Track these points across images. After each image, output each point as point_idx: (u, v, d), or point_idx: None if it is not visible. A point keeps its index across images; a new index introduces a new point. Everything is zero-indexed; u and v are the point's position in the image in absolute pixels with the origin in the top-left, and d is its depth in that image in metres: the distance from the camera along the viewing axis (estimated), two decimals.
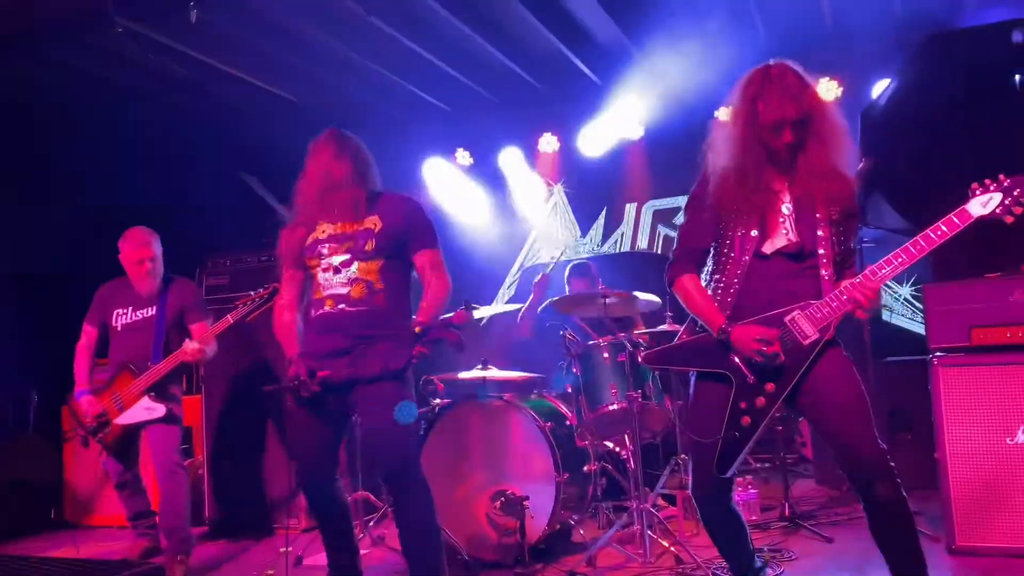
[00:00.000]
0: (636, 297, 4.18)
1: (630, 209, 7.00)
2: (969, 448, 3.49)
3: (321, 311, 3.02)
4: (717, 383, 2.55)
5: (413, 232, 3.09)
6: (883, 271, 2.42)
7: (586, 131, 6.80)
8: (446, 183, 7.23)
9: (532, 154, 7.10)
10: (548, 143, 7.03)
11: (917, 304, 5.85)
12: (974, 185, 2.41)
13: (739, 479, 4.32)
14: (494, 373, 4.16)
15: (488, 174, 7.19)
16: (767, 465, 5.58)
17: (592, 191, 7.05)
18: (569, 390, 4.09)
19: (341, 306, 2.98)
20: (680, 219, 6.73)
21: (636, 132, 6.68)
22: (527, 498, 3.64)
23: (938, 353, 3.62)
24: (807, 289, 2.50)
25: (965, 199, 2.41)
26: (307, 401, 2.93)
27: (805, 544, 3.86)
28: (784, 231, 2.53)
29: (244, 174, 6.47)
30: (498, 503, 3.76)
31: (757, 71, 2.55)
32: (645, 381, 3.89)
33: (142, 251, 4.09)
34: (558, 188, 7.21)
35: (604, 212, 7.10)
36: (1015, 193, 2.36)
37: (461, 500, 3.84)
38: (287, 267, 3.19)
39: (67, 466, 5.47)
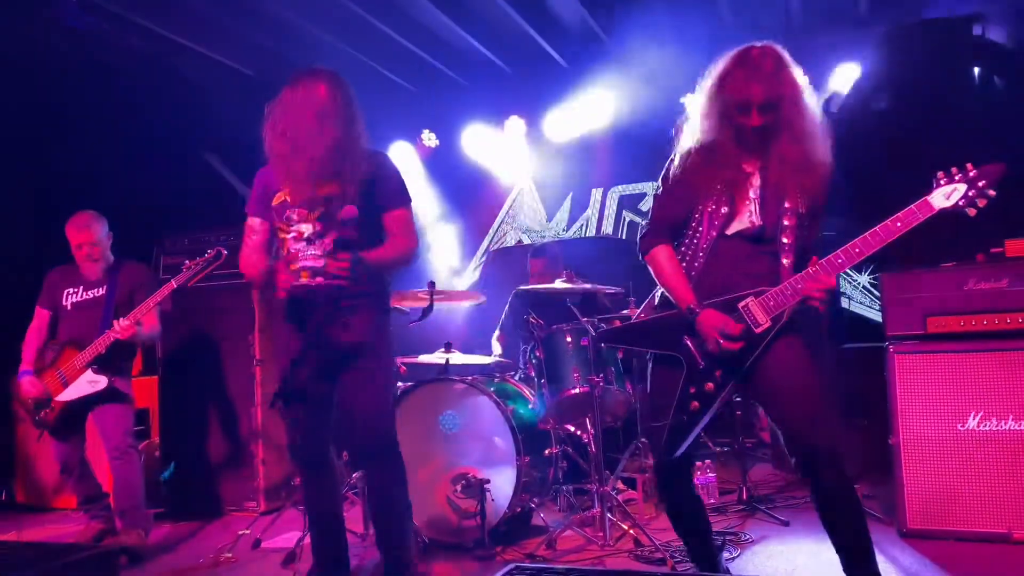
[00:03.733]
0: (599, 285, 4.20)
1: (596, 194, 7.01)
2: (922, 434, 3.56)
3: (298, 282, 2.81)
4: (671, 367, 2.55)
5: (383, 193, 2.95)
6: (839, 260, 2.40)
7: (553, 115, 6.78)
8: (411, 164, 7.16)
9: (499, 137, 7.06)
10: (515, 126, 7.00)
11: (875, 292, 5.94)
12: (939, 174, 2.37)
13: (698, 463, 4.36)
14: (457, 356, 4.15)
15: (454, 156, 7.14)
16: (726, 449, 5.64)
17: (559, 175, 7.04)
18: (532, 373, 4.09)
19: (318, 279, 2.80)
20: (649, 199, 6.77)
21: (603, 118, 6.68)
22: (488, 481, 3.64)
23: (894, 341, 3.68)
24: (765, 273, 2.50)
25: (928, 189, 2.37)
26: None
27: (762, 527, 3.91)
28: (748, 213, 2.53)
29: (205, 152, 6.34)
30: (459, 486, 3.76)
31: (738, 51, 2.53)
32: (607, 365, 3.90)
33: (81, 235, 4.05)
34: (525, 172, 7.19)
35: (570, 197, 7.10)
36: (979, 184, 2.31)
37: (422, 483, 3.82)
38: (254, 213, 3.02)
39: (20, 448, 5.35)
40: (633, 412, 4.22)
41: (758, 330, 2.44)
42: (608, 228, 6.93)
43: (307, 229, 2.85)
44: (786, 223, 2.50)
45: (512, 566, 2.16)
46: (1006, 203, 4.62)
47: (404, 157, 7.16)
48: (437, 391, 3.96)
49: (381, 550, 3.06)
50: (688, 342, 2.51)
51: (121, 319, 3.87)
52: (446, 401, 3.90)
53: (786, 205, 2.51)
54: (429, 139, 7.20)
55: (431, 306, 4.06)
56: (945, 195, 2.33)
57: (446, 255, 7.17)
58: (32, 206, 5.69)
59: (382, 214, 2.96)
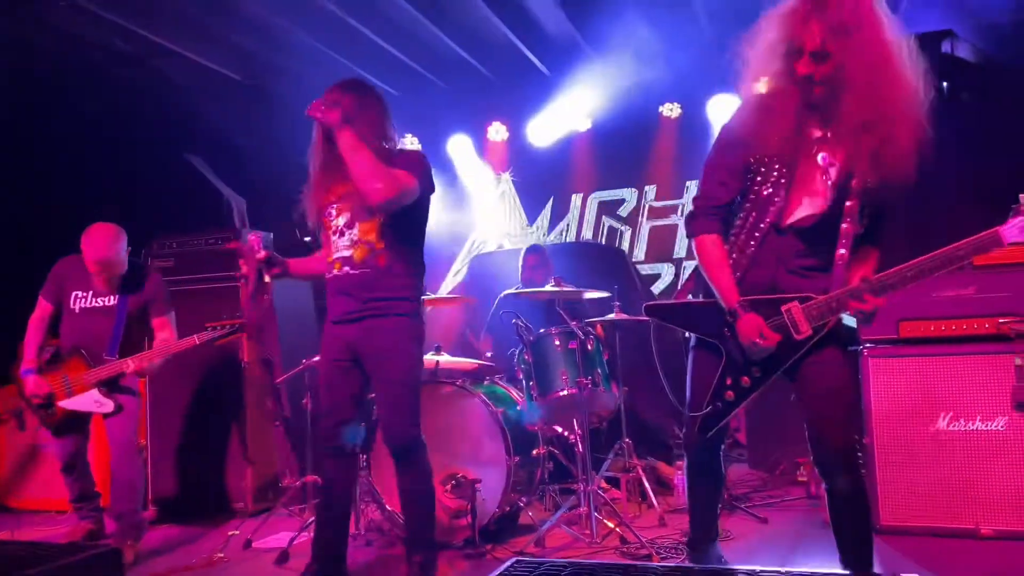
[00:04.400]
0: (586, 289, 4.32)
1: (576, 200, 7.14)
2: (895, 434, 3.71)
3: (331, 274, 3.10)
4: (712, 353, 2.51)
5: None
6: (891, 282, 2.30)
7: (535, 121, 6.89)
8: None
9: (481, 142, 7.16)
10: (497, 132, 7.10)
11: None
12: (1022, 198, 2.26)
13: (679, 461, 4.50)
14: (446, 359, 4.24)
15: (436, 161, 7.19)
16: None
17: (540, 181, 7.16)
18: (520, 376, 4.19)
19: (346, 269, 3.05)
20: (629, 204, 6.89)
21: (583, 124, 6.81)
22: (479, 480, 3.73)
23: (868, 344, 3.83)
24: (818, 266, 2.40)
25: (1004, 220, 2.22)
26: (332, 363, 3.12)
27: (742, 524, 4.06)
28: (808, 199, 2.35)
29: (189, 154, 6.35)
30: (449, 486, 3.85)
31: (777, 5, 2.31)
32: (595, 368, 4.02)
33: (95, 265, 3.88)
34: (506, 177, 7.30)
35: (551, 202, 7.22)
36: None
37: None
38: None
39: None
40: (617, 413, 4.34)
41: (799, 337, 2.37)
42: (588, 233, 7.05)
43: (341, 221, 3.10)
44: (848, 204, 2.31)
45: (515, 559, 2.25)
46: (974, 213, 4.83)
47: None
48: (427, 393, 4.02)
49: (407, 544, 3.23)
50: (728, 335, 2.46)
51: (139, 356, 3.85)
52: (437, 403, 3.98)
53: (852, 184, 2.29)
54: (411, 143, 7.26)
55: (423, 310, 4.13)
56: (1021, 228, 2.21)
57: (429, 259, 7.23)
58: (16, 209, 5.65)
59: None
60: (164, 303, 4.07)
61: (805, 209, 2.36)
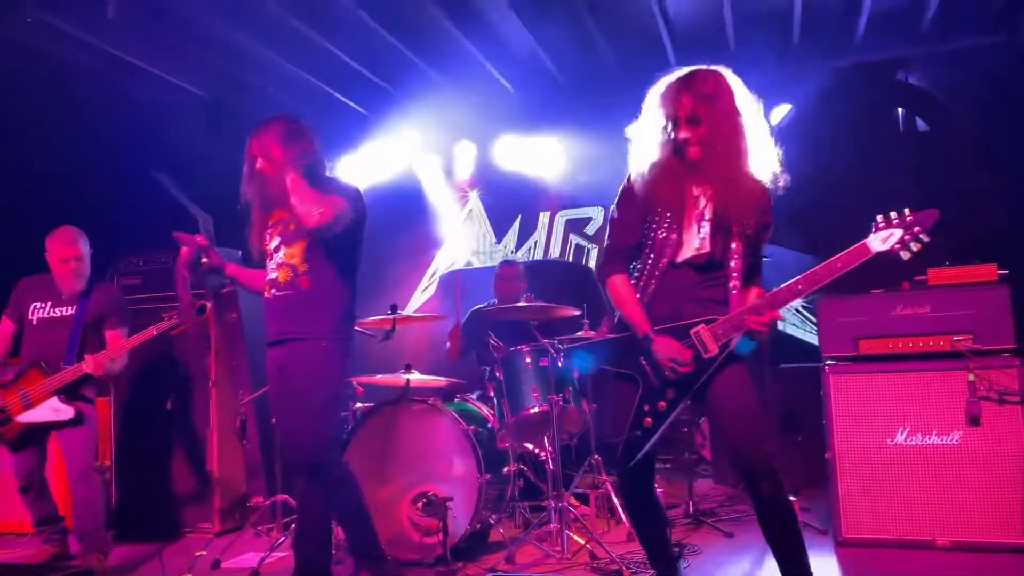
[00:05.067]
0: (558, 307, 4.37)
1: (544, 218, 7.21)
2: (855, 449, 3.83)
3: (265, 297, 3.24)
4: (630, 383, 2.70)
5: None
6: (782, 296, 2.57)
7: (503, 140, 6.96)
8: (361, 185, 7.22)
9: (449, 160, 7.20)
10: (465, 150, 7.15)
11: (807, 314, 6.28)
12: (879, 219, 2.50)
13: None
14: (417, 377, 4.26)
15: (404, 178, 7.24)
16: (669, 466, 5.88)
17: (507, 199, 7.21)
18: (491, 393, 4.23)
19: (273, 291, 3.18)
20: (595, 223, 6.99)
21: (551, 143, 6.89)
22: (451, 499, 3.75)
23: (829, 361, 3.95)
24: (713, 299, 2.65)
25: (868, 232, 2.50)
26: None
27: (708, 539, 4.13)
28: (696, 241, 2.65)
29: (155, 171, 6.29)
30: (420, 504, 3.86)
31: (665, 80, 2.67)
32: (565, 385, 4.07)
33: (68, 250, 4.04)
34: (474, 194, 7.35)
35: (519, 220, 7.28)
36: (915, 230, 2.45)
37: (383, 503, 3.91)
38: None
39: None
40: (587, 430, 4.40)
41: (707, 355, 2.60)
42: (556, 251, 7.12)
43: (272, 245, 3.25)
44: (733, 246, 2.63)
45: (491, 575, 2.29)
46: (932, 234, 4.99)
47: (357, 178, 7.24)
48: (398, 412, 4.05)
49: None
50: (643, 363, 2.67)
51: (96, 355, 3.86)
52: (409, 421, 4.00)
53: (733, 229, 2.62)
54: (378, 161, 7.29)
55: (394, 328, 4.17)
56: (882, 239, 2.48)
57: (396, 275, 7.25)
58: None
59: None
60: (119, 316, 4.10)
61: (693, 248, 2.66)
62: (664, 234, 2.67)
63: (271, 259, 3.23)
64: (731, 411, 2.62)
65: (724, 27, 5.58)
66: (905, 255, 2.47)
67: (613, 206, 2.83)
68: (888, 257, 2.49)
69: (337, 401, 3.27)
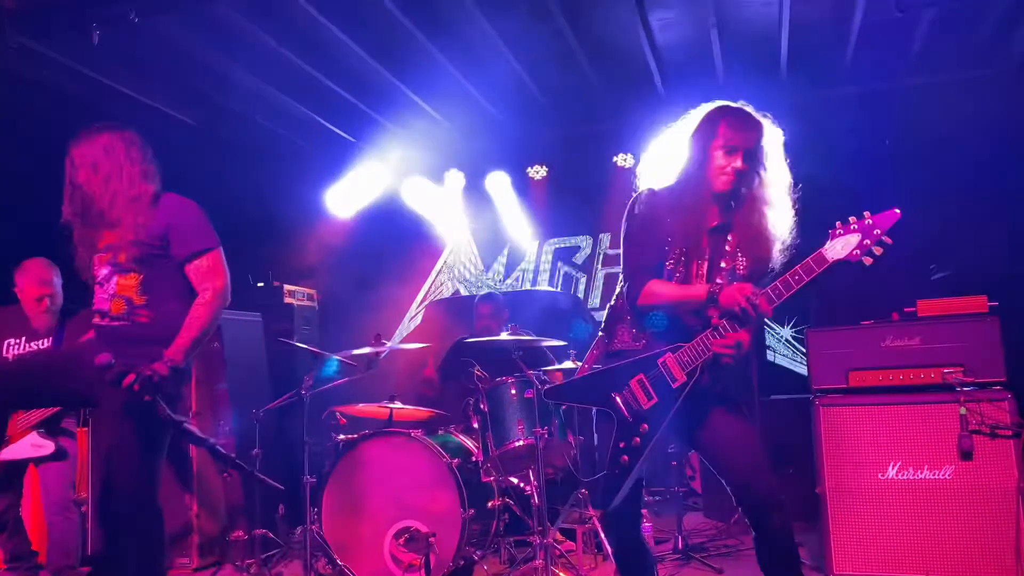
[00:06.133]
0: (543, 338, 4.31)
1: (532, 246, 7.18)
2: (847, 483, 3.76)
3: (96, 327, 2.92)
4: (609, 422, 2.64)
5: (176, 235, 2.89)
6: (740, 315, 2.45)
7: (490, 167, 6.93)
8: (350, 213, 7.19)
9: (437, 188, 7.17)
10: (454, 179, 7.12)
11: (797, 345, 6.24)
12: (837, 224, 2.38)
13: None
14: (400, 408, 4.19)
15: (393, 206, 7.20)
16: (658, 498, 5.79)
17: (496, 227, 7.18)
18: (476, 425, 4.15)
19: (107, 320, 2.87)
20: (584, 251, 6.96)
21: (540, 172, 6.88)
22: (433, 534, 3.67)
23: (819, 394, 3.90)
24: (697, 327, 2.55)
25: (823, 241, 2.39)
26: None
27: (697, 575, 4.04)
28: (697, 278, 2.62)
29: None
30: (402, 539, 3.77)
31: (722, 104, 2.67)
32: (552, 417, 4.00)
33: (41, 289, 3.95)
34: (463, 223, 7.31)
35: (507, 248, 7.24)
36: (875, 233, 2.32)
37: (365, 537, 3.83)
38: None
39: None
40: (574, 463, 4.31)
41: (675, 385, 2.53)
42: (544, 280, 7.08)
43: (101, 274, 2.92)
44: (719, 282, 2.59)
45: None
46: (917, 263, 4.98)
47: (344, 207, 7.20)
48: (381, 444, 3.97)
49: None
50: (616, 398, 2.60)
51: None
52: (391, 454, 3.92)
53: (722, 265, 2.61)
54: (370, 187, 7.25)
55: (378, 357, 4.10)
56: (840, 246, 2.35)
57: (383, 305, 7.18)
58: None
59: (181, 264, 2.92)
60: None
61: (703, 279, 2.62)
62: (672, 265, 2.62)
63: (101, 287, 2.90)
64: (730, 446, 2.57)
65: (711, 54, 5.60)
66: (867, 260, 2.33)
67: (625, 224, 2.74)
68: (848, 265, 2.36)
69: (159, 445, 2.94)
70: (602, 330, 2.84)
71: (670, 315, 2.61)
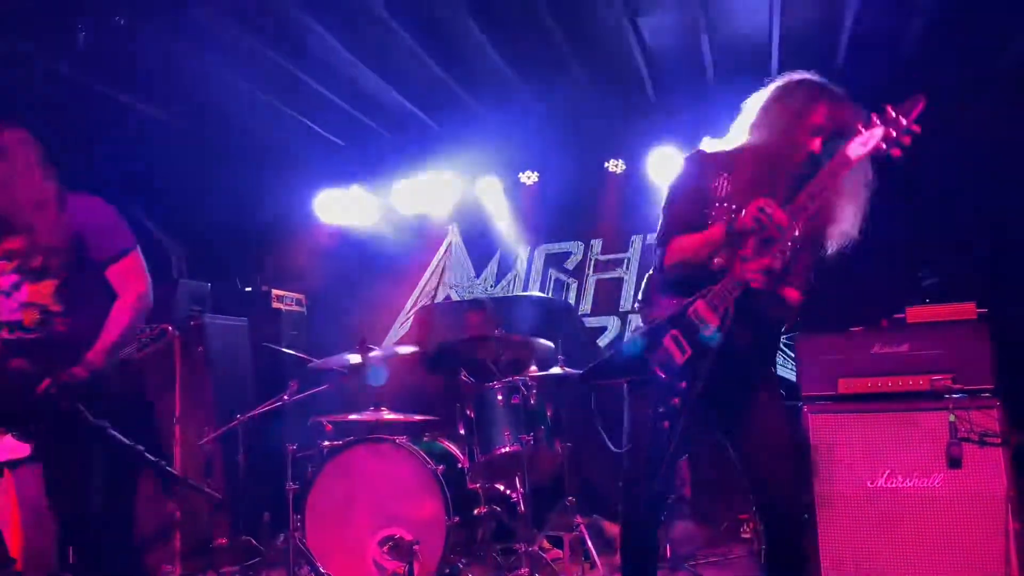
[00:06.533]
0: (531, 343, 4.27)
1: (523, 252, 7.14)
2: (836, 490, 3.72)
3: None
4: (643, 397, 2.51)
5: (91, 238, 2.76)
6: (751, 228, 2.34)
7: (482, 172, 6.90)
8: (339, 217, 7.16)
9: (428, 192, 7.12)
10: (445, 183, 7.08)
11: (786, 352, 6.21)
12: (858, 125, 2.28)
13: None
14: (387, 414, 4.14)
15: (381, 210, 7.16)
16: None
17: (487, 232, 7.14)
18: (462, 431, 4.11)
19: (17, 333, 2.72)
20: (576, 257, 6.94)
21: (531, 177, 6.85)
22: (417, 542, 3.62)
23: (808, 401, 3.87)
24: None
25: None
26: None
27: None
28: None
29: (127, 202, 6.19)
30: (386, 547, 3.73)
31: (809, 80, 2.50)
32: (538, 424, 3.96)
33: None
34: (453, 227, 7.28)
35: (498, 254, 7.21)
36: (900, 123, 2.20)
37: (348, 544, 3.77)
38: None
39: None
40: (561, 471, 4.28)
41: (708, 332, 2.37)
42: (535, 286, 7.05)
43: (7, 282, 2.74)
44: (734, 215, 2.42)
45: None
46: (906, 270, 4.95)
47: (332, 208, 7.16)
48: (365, 450, 3.93)
49: None
50: (650, 360, 2.47)
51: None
52: (375, 461, 3.88)
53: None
54: (357, 192, 7.21)
55: (364, 364, 4.06)
56: (862, 143, 2.24)
57: (373, 310, 7.14)
58: None
59: (100, 268, 2.80)
60: None
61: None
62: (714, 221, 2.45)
63: (7, 296, 2.73)
64: (770, 449, 2.44)
65: (702, 61, 5.59)
66: (895, 152, 2.21)
67: (669, 188, 2.58)
68: (878, 157, 2.24)
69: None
70: (640, 302, 2.70)
71: (697, 264, 2.45)
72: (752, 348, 2.46)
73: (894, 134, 2.20)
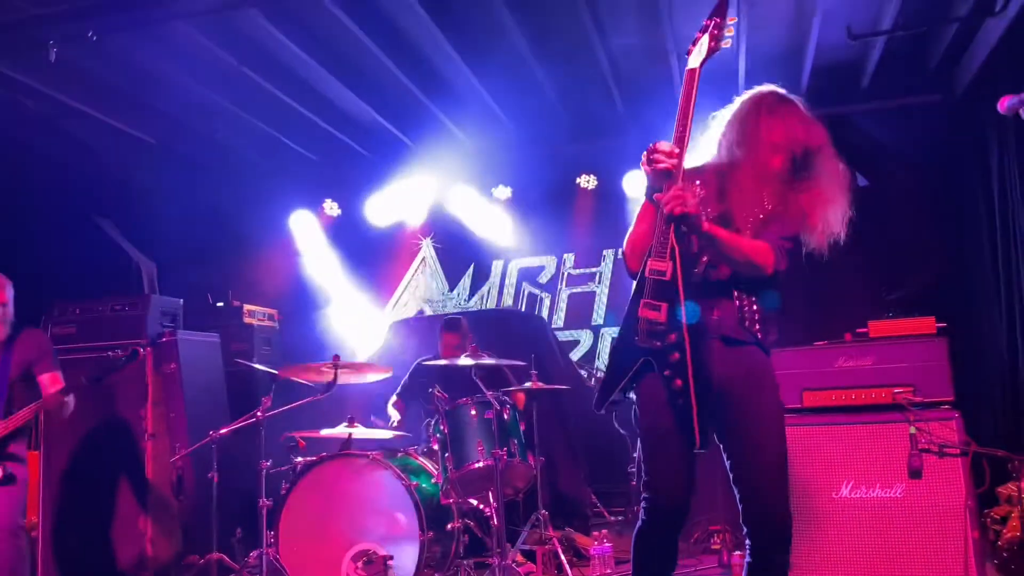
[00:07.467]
0: (503, 366, 4.31)
1: (497, 266, 7.20)
2: (802, 502, 3.80)
3: None
4: (648, 378, 2.44)
5: None
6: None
7: (455, 187, 6.95)
8: (311, 231, 7.17)
9: (402, 206, 7.16)
10: (418, 198, 7.12)
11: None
12: (690, 45, 2.44)
13: (595, 532, 4.48)
14: (360, 431, 4.16)
15: (356, 225, 7.18)
16: (620, 519, 5.79)
17: (461, 246, 7.19)
18: (436, 447, 4.14)
19: None
20: (549, 272, 7.00)
21: (503, 191, 6.92)
22: (391, 557, 3.65)
23: None
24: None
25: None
26: None
27: None
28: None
29: (97, 217, 6.16)
30: (360, 562, 3.74)
31: (769, 91, 2.56)
32: (511, 438, 4.00)
33: None
34: (427, 242, 7.32)
35: (472, 268, 7.25)
36: (716, 20, 2.39)
37: (322, 560, 3.78)
38: None
39: None
40: (534, 485, 4.32)
41: (666, 278, 2.33)
42: (508, 300, 7.10)
43: None
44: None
45: None
46: (870, 284, 5.05)
47: (306, 226, 7.18)
48: (339, 466, 3.95)
49: None
50: (636, 339, 2.41)
51: (13, 419, 3.66)
52: (349, 476, 3.89)
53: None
54: (331, 208, 7.25)
55: (335, 380, 4.08)
56: (697, 53, 2.41)
57: (346, 325, 7.15)
58: None
59: None
60: (49, 357, 3.87)
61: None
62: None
63: None
64: (760, 462, 2.41)
65: (672, 80, 5.70)
66: (725, 44, 2.39)
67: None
68: (714, 56, 2.40)
69: None
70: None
71: (644, 248, 2.44)
72: (718, 327, 2.43)
73: (715, 32, 2.39)
